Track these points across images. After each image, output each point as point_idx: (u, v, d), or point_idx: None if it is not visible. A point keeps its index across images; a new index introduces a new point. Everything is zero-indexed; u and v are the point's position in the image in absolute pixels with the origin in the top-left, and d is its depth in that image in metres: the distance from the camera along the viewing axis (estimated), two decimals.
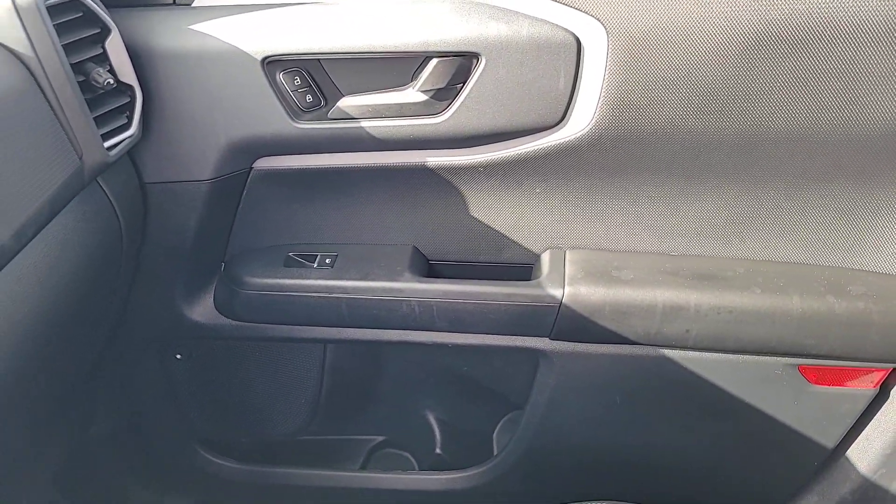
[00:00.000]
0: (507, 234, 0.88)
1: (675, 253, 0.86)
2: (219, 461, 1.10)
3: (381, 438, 1.17)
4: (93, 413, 1.04)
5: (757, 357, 0.84)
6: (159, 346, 0.99)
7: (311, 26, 0.74)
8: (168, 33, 0.75)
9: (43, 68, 0.63)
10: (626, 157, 0.78)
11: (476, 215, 0.87)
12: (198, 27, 0.75)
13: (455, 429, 1.15)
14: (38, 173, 0.62)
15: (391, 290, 0.85)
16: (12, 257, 0.59)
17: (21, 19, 0.61)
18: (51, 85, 0.64)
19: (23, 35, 0.62)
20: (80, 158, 0.67)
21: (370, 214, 0.90)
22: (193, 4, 0.77)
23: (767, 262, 0.84)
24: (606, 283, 0.82)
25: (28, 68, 0.62)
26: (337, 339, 0.92)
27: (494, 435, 1.13)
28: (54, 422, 0.93)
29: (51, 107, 0.64)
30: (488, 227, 0.88)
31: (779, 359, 0.83)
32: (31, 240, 0.62)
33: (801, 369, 0.84)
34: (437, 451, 1.14)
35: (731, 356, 0.84)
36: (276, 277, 0.88)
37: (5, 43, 0.62)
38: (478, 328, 0.86)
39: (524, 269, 0.90)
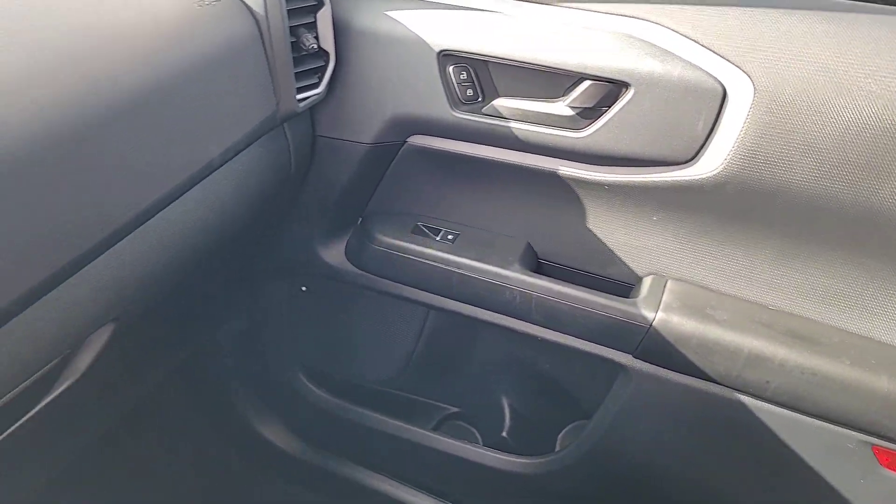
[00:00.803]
0: (615, 251, 0.95)
1: (772, 307, 0.89)
2: (314, 389, 1.24)
3: (454, 409, 1.27)
4: (223, 320, 1.20)
5: (832, 426, 0.85)
6: (290, 276, 1.14)
7: (486, 31, 0.84)
8: (367, 14, 0.88)
9: (269, 25, 0.77)
10: (745, 206, 0.82)
11: (591, 228, 0.94)
12: (392, 14, 0.87)
13: (524, 418, 1.22)
14: (247, 108, 0.76)
15: (499, 275, 0.95)
16: (214, 171, 0.74)
17: None
18: (271, 40, 0.78)
19: None
20: (277, 104, 0.81)
21: (496, 205, 1.00)
22: None
23: (863, 338, 0.86)
24: (699, 318, 0.87)
25: (257, 23, 0.77)
26: (440, 308, 1.03)
27: (560, 436, 1.20)
28: (197, 318, 1.10)
29: (266, 58, 0.78)
30: (600, 241, 0.95)
31: (854, 433, 0.85)
32: (228, 161, 0.76)
33: (875, 449, 0.85)
34: (504, 434, 1.22)
35: (805, 418, 0.86)
36: (403, 241, 1.00)
37: (245, 0, 0.77)
38: (569, 329, 0.94)
39: (624, 288, 0.96)
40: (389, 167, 1.00)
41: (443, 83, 0.87)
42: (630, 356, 0.92)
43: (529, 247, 0.99)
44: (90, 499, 1.19)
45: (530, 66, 0.83)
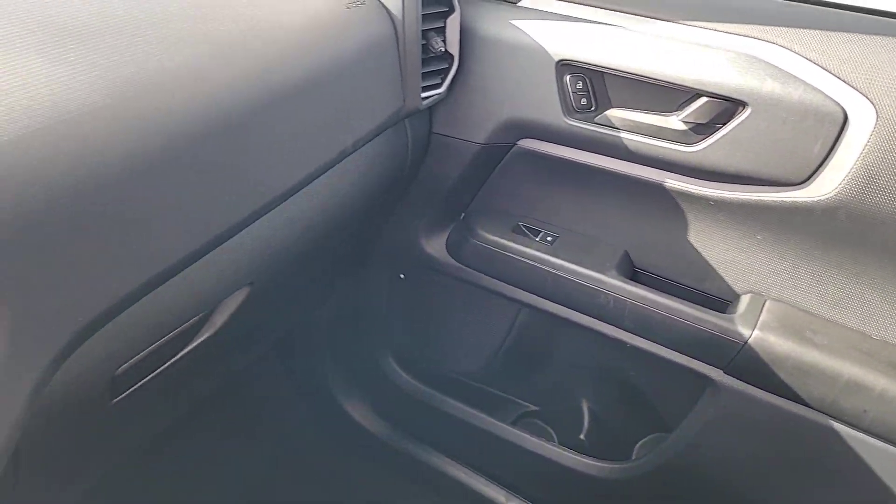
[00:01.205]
0: (714, 266, 0.96)
1: (875, 337, 0.88)
2: (402, 374, 1.31)
3: (533, 408, 1.30)
4: (325, 298, 1.28)
5: None
6: (390, 263, 1.21)
7: (605, 44, 0.87)
8: (492, 22, 0.92)
9: (404, 28, 0.83)
10: (855, 232, 0.82)
11: (692, 241, 0.96)
12: (516, 23, 0.91)
13: (603, 423, 1.24)
14: (378, 102, 0.83)
15: (595, 279, 0.97)
16: (345, 158, 0.80)
17: None
18: (405, 42, 0.84)
19: (399, 1, 0.82)
20: (403, 101, 0.87)
21: (596, 211, 1.03)
22: (518, 4, 0.94)
23: None
24: (797, 340, 0.87)
25: (394, 26, 0.83)
26: (533, 306, 1.06)
27: (637, 445, 1.21)
28: (308, 293, 1.18)
29: (399, 58, 0.84)
30: (699, 255, 0.96)
31: None
32: (355, 151, 0.83)
33: None
34: (581, 436, 1.25)
35: None
36: (504, 239, 1.04)
37: (383, 2, 0.83)
38: (660, 338, 0.96)
39: (720, 304, 0.97)
40: (497, 167, 1.04)
41: (558, 91, 0.90)
42: (720, 371, 0.93)
43: (626, 255, 1.02)
44: (181, 456, 1.30)
45: (646, 80, 0.86)
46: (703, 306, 0.94)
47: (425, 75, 0.90)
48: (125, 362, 0.62)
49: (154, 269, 0.54)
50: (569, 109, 0.91)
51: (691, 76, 0.83)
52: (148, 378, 0.68)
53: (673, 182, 0.91)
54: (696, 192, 0.90)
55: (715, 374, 0.94)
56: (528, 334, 1.21)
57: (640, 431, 1.21)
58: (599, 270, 0.98)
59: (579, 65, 0.89)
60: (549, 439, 1.27)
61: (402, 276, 1.22)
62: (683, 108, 0.86)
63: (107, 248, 0.50)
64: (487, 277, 1.09)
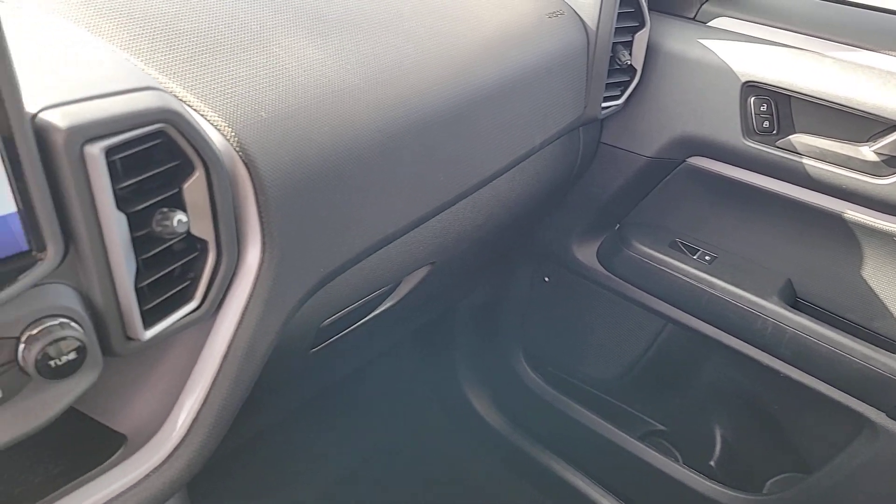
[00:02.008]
0: (888, 305, 0.92)
1: None
2: (531, 373, 1.34)
3: (661, 427, 1.30)
4: (472, 290, 1.34)
5: None
6: (536, 264, 1.25)
7: (795, 67, 0.87)
8: (679, 40, 0.94)
9: (597, 40, 0.87)
10: None
11: (865, 276, 0.93)
12: (704, 42, 0.93)
13: (736, 453, 1.22)
14: (563, 107, 0.87)
15: (754, 303, 0.96)
16: (532, 155, 0.85)
17: (601, 2, 0.86)
18: (595, 53, 0.88)
19: (596, 13, 0.86)
20: (584, 108, 0.91)
21: (761, 235, 1.02)
22: (708, 24, 0.96)
23: None
24: None
25: (587, 37, 0.87)
26: (681, 323, 1.06)
27: (770, 482, 1.18)
28: (465, 281, 1.24)
29: (587, 67, 0.88)
30: (872, 291, 0.93)
31: None
32: (540, 150, 0.88)
33: None
34: (711, 463, 1.23)
35: None
36: (659, 253, 1.05)
37: (580, 14, 0.87)
38: (819, 372, 0.93)
39: (889, 344, 0.93)
40: (661, 182, 1.06)
41: (741, 112, 0.91)
42: (884, 415, 0.90)
43: (789, 282, 1.00)
44: (321, 431, 1.39)
45: (838, 107, 0.85)
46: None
47: (607, 86, 0.93)
48: (330, 317, 0.69)
49: (386, 229, 0.60)
50: (749, 131, 0.91)
51: (891, 105, 0.81)
52: (343, 333, 0.76)
53: (853, 213, 0.89)
54: (879, 226, 0.87)
55: (876, 416, 0.90)
56: (670, 351, 1.20)
57: (775, 467, 1.17)
58: (759, 295, 0.97)
59: (767, 87, 0.89)
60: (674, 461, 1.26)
61: (546, 278, 1.26)
62: (877, 139, 0.84)
63: (352, 208, 0.57)
64: (636, 289, 1.10)
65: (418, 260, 0.79)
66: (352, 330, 0.78)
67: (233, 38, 0.54)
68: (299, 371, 0.79)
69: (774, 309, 0.95)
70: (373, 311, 0.80)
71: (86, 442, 0.50)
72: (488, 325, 1.38)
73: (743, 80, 0.90)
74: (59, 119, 0.37)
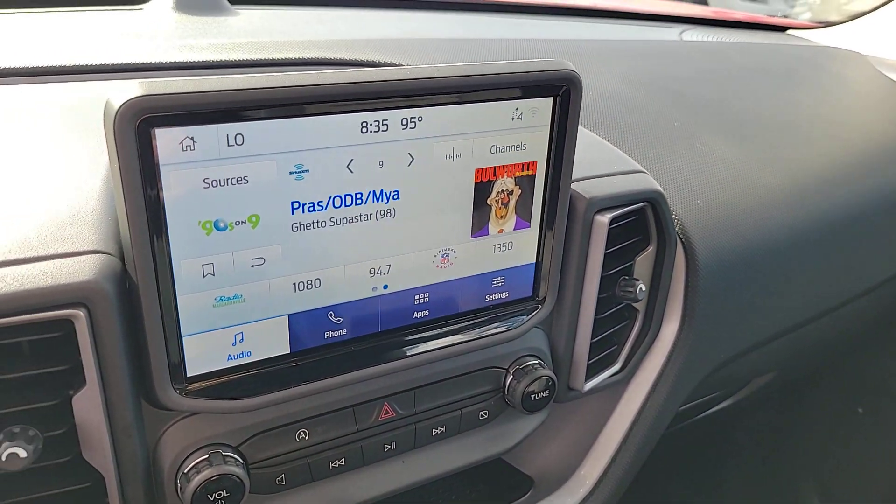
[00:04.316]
0: None
1: None
2: None
3: None
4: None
5: None
6: (852, 391, 1.13)
7: None
8: None
9: None
10: None
11: None
12: None
13: None
14: None
15: None
16: None
17: None
18: None
19: None
20: None
21: None
22: None
23: None
24: None
25: None
26: None
27: None
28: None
29: None
30: None
31: None
32: None
33: None
34: None
35: None
36: None
37: None
38: None
39: None
40: None
41: None
42: None
43: None
44: None
45: None
46: None
47: None
48: (690, 402, 0.70)
49: (783, 323, 0.61)
50: None
51: None
52: (690, 421, 0.75)
53: None
54: None
55: None
56: None
57: None
58: None
59: None
60: None
61: (860, 409, 1.13)
62: None
63: (759, 297, 0.58)
64: None
65: (769, 363, 0.77)
66: (693, 421, 0.78)
67: (665, 134, 0.60)
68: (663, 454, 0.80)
69: None
70: (707, 408, 0.79)
71: (496, 478, 0.55)
72: (776, 451, 1.26)
73: None
74: (582, 190, 0.44)
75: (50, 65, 0.50)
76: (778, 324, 0.62)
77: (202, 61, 0.54)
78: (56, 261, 0.31)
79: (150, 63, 0.52)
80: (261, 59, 0.55)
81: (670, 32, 0.94)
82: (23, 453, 0.31)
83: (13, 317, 0.30)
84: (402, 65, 0.59)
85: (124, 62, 0.52)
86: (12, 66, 0.49)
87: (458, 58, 0.64)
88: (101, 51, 0.53)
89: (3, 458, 0.31)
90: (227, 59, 0.55)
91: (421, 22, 0.84)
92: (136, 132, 0.29)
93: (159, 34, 0.62)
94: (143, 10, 0.72)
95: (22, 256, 0.31)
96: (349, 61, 0.58)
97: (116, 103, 0.29)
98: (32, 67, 0.50)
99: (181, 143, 0.31)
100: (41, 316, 0.30)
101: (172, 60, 0.53)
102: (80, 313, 0.31)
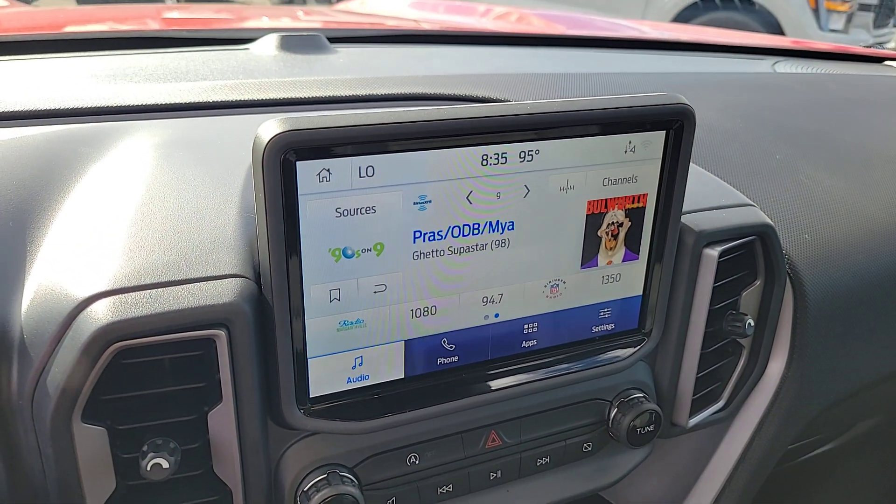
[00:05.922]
0: None
1: None
2: None
3: None
4: None
5: None
6: None
7: None
8: None
9: None
10: None
11: None
12: None
13: None
14: None
15: None
16: None
17: None
18: None
19: None
20: None
21: None
22: None
23: None
24: None
25: None
26: None
27: None
28: None
29: None
30: None
31: None
32: None
33: None
34: None
35: None
36: None
37: None
38: None
39: None
40: None
41: None
42: None
43: None
44: None
45: None
46: None
47: None
48: (797, 443, 0.67)
49: (891, 366, 0.58)
50: None
51: None
52: (793, 462, 0.72)
53: None
54: None
55: None
56: None
57: None
58: None
59: None
60: None
61: None
62: None
63: (868, 335, 0.56)
64: None
65: (877, 407, 0.73)
66: (794, 464, 0.74)
67: (766, 166, 0.59)
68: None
69: None
70: (814, 450, 0.75)
71: None
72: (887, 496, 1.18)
73: None
74: (691, 223, 0.44)
75: (178, 101, 0.54)
76: (889, 364, 0.59)
77: (313, 97, 0.57)
78: (201, 284, 0.33)
79: (266, 99, 0.56)
80: (367, 95, 0.58)
81: (763, 64, 0.93)
82: (165, 464, 0.32)
83: (165, 335, 0.32)
84: (504, 100, 0.60)
85: (244, 99, 0.55)
86: (141, 104, 0.53)
87: (559, 92, 0.65)
88: (219, 88, 0.57)
89: (148, 468, 0.32)
90: (336, 94, 0.57)
91: (508, 58, 0.86)
92: (280, 164, 0.31)
93: (270, 72, 0.66)
94: (248, 50, 0.76)
95: (171, 279, 0.34)
96: (450, 96, 0.60)
97: (265, 137, 0.31)
98: (161, 105, 0.54)
99: (318, 174, 0.33)
100: (188, 335, 0.32)
101: (286, 97, 0.56)
102: (222, 333, 0.33)
